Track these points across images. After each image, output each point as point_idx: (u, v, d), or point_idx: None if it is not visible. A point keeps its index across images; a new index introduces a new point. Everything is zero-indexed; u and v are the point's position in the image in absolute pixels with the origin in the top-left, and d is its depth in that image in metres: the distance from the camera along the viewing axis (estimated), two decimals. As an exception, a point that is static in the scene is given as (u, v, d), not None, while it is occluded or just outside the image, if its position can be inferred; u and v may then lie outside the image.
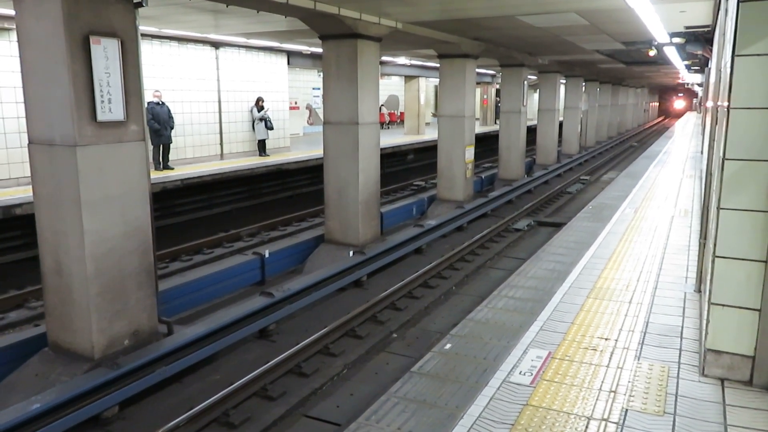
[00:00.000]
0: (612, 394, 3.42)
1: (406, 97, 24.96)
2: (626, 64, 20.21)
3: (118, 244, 5.30)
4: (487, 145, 23.25)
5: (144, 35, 11.50)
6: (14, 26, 5.40)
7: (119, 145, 5.23)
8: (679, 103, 64.64)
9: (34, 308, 7.16)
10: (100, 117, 5.02)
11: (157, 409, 5.04)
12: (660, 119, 61.94)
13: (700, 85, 28.17)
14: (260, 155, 15.39)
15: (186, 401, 5.05)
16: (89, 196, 5.02)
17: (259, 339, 6.40)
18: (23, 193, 9.43)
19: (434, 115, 31.08)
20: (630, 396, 3.40)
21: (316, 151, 15.59)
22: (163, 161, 12.59)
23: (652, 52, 13.66)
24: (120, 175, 5.27)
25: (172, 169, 12.70)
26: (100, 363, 4.99)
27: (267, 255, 8.41)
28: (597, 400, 3.37)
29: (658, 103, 65.19)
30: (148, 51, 12.42)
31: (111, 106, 5.09)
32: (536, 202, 13.98)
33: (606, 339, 4.20)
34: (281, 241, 9.57)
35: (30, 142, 5.23)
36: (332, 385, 5.50)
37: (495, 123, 30.01)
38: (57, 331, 5.38)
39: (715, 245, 3.47)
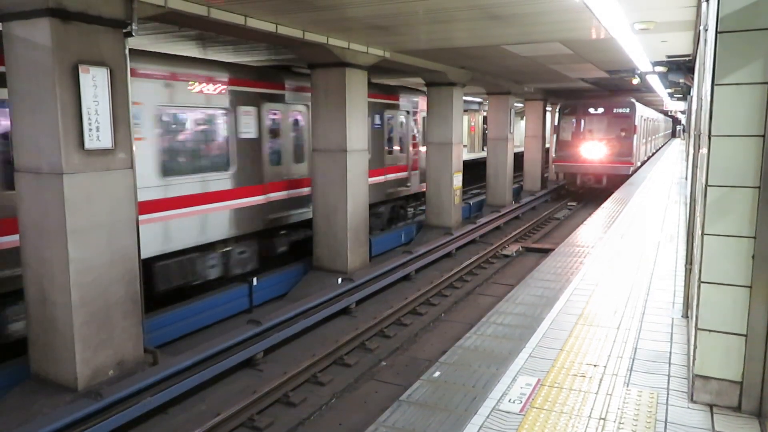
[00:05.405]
0: (602, 422, 3.40)
1: (395, 124, 25.11)
2: (610, 92, 20.57)
3: (104, 272, 5.25)
4: (475, 171, 23.41)
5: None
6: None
7: (107, 173, 5.22)
8: (597, 149, 18.45)
9: (16, 338, 7.02)
10: (88, 145, 5.01)
11: (141, 441, 4.94)
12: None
13: (683, 112, 28.66)
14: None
15: (171, 433, 4.95)
16: (75, 224, 4.99)
17: (246, 368, 6.31)
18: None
19: (422, 141, 31.26)
20: (620, 423, 3.38)
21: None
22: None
23: (635, 81, 13.96)
24: (107, 203, 5.25)
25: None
26: (83, 394, 4.90)
27: (255, 282, 8.36)
28: (587, 427, 3.34)
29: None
30: (137, 79, 12.44)
31: (99, 134, 5.09)
32: (524, 228, 14.06)
33: (595, 365, 4.19)
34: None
35: (16, 170, 5.20)
36: (320, 415, 5.42)
37: (482, 150, 30.28)
38: (40, 362, 5.28)
39: (700, 271, 3.49)
